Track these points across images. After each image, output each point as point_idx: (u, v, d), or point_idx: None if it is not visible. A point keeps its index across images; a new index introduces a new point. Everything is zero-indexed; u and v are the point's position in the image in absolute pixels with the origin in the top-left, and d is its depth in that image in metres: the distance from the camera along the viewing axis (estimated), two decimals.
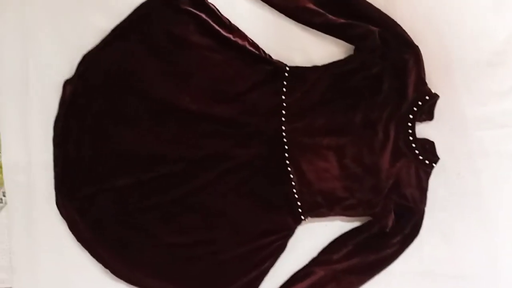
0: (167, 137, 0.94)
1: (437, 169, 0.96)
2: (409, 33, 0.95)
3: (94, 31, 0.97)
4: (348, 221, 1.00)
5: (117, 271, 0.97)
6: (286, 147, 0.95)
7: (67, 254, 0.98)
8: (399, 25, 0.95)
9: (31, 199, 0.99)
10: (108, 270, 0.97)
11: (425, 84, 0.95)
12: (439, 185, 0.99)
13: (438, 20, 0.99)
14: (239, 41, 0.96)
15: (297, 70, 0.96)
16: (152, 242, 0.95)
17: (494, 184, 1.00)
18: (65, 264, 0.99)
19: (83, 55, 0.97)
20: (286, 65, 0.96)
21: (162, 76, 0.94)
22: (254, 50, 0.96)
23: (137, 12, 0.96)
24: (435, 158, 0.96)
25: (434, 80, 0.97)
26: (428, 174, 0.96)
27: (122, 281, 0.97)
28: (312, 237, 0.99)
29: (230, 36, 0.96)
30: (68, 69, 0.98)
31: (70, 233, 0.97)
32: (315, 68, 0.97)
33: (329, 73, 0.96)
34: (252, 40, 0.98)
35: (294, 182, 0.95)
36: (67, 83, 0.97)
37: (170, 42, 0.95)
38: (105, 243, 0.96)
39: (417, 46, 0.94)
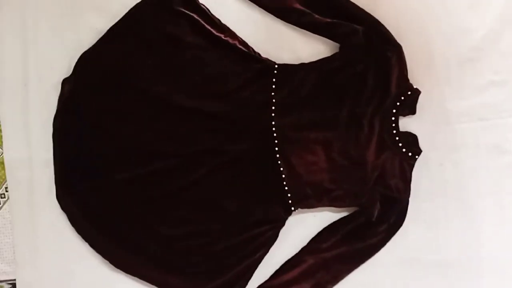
0: (162, 133, 0.96)
1: (420, 160, 0.98)
2: (391, 32, 0.97)
3: (91, 31, 0.99)
4: (336, 211, 1.02)
5: (116, 262, 0.98)
6: (276, 141, 0.97)
7: (68, 246, 1.00)
8: (382, 24, 0.97)
9: (32, 194, 1.01)
10: (107, 261, 0.98)
11: (407, 80, 0.98)
12: (422, 176, 1.01)
13: (419, 19, 1.01)
14: (230, 40, 0.97)
15: (285, 68, 0.98)
16: (149, 234, 0.96)
17: (474, 174, 1.02)
18: (66, 256, 1.00)
19: (80, 54, 0.99)
20: (275, 63, 0.98)
21: (158, 74, 0.96)
22: (244, 48, 0.98)
23: (132, 13, 0.98)
24: (418, 150, 0.98)
25: (416, 76, 0.99)
26: (411, 166, 0.98)
27: (121, 271, 0.98)
28: (302, 227, 1.01)
29: (221, 35, 0.97)
30: (66, 68, 0.99)
31: (71, 225, 0.99)
32: (302, 66, 0.99)
33: (316, 70, 0.98)
34: (242, 39, 0.99)
35: (284, 175, 0.97)
36: (65, 82, 0.98)
37: (165, 42, 0.97)
38: (104, 235, 0.97)
39: (400, 45, 0.97)
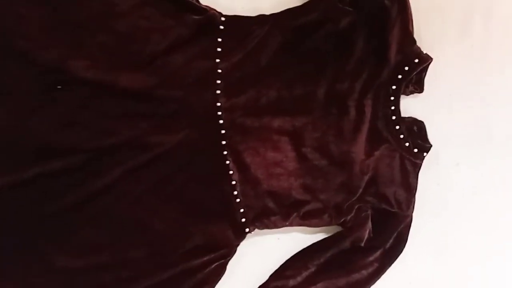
0: (55, 119, 0.80)
1: (428, 159, 0.84)
2: None
3: None
4: (310, 232, 0.89)
5: None
6: (223, 131, 0.81)
7: None
8: None
9: None
10: None
11: (414, 42, 0.83)
12: (430, 180, 0.88)
13: None
14: None
15: (236, 21, 0.82)
16: (40, 267, 0.80)
17: (501, 178, 0.89)
18: None
19: None
20: (221, 14, 0.82)
21: (48, 31, 0.79)
22: None
23: None
24: (426, 145, 0.84)
25: (425, 36, 0.84)
26: (417, 167, 0.84)
27: None
28: (260, 256, 0.88)
29: None
30: None
31: None
32: (261, 19, 0.82)
33: (281, 26, 0.82)
34: None
35: (234, 180, 0.82)
36: None
37: None
38: None
39: None
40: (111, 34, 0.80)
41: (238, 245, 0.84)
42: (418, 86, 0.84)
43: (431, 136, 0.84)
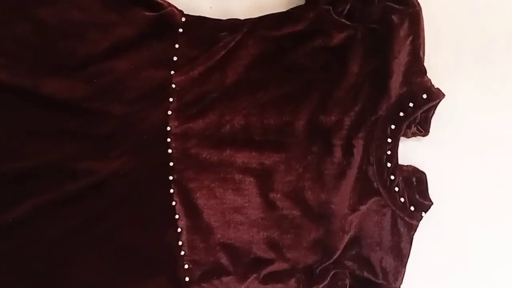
0: None
1: (425, 218, 0.70)
2: None
3: None
4: None
5: None
6: (171, 163, 0.68)
7: None
8: None
9: None
10: None
11: (424, 72, 0.69)
12: (426, 245, 0.73)
13: None
14: None
15: (200, 25, 0.69)
16: None
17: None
18: None
19: None
20: (182, 13, 0.70)
21: None
22: None
23: None
24: (425, 203, 0.71)
25: (438, 67, 0.70)
26: (412, 229, 0.70)
27: None
28: None
29: None
30: None
31: None
32: (233, 24, 0.70)
33: (258, 35, 0.69)
34: None
35: (180, 227, 0.69)
36: None
37: None
38: None
39: (418, 4, 0.68)
40: (33, 24, 0.66)
41: None
42: (422, 128, 0.71)
43: (432, 192, 0.69)
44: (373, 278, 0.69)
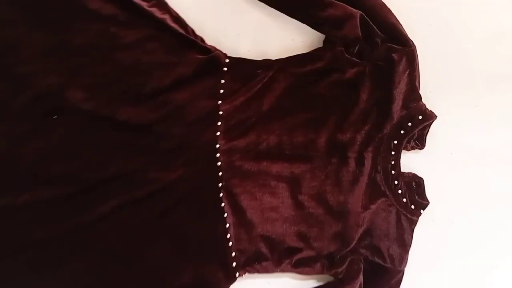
0: (51, 148, 0.74)
1: (424, 214, 0.80)
2: (405, 27, 0.78)
3: None
4: (301, 278, 0.83)
5: None
6: (220, 173, 0.77)
7: None
8: (392, 14, 0.78)
9: None
10: None
11: (419, 98, 0.79)
12: (424, 236, 0.83)
13: (444, 15, 0.82)
14: (158, 13, 0.76)
15: (241, 64, 0.78)
16: None
17: (499, 236, 0.84)
18: None
19: None
20: (225, 55, 0.78)
21: (46, 58, 0.74)
22: (179, 28, 0.76)
23: None
24: (423, 202, 0.80)
25: (431, 94, 0.81)
26: (413, 223, 0.80)
27: None
28: None
29: (144, 3, 0.75)
30: None
31: None
32: (266, 63, 0.78)
33: (286, 72, 0.78)
34: (176, 13, 0.78)
35: (228, 223, 0.77)
36: None
37: (58, 9, 0.74)
38: None
39: (413, 44, 0.78)
40: (113, 65, 0.75)
41: None
42: (419, 143, 0.80)
43: (429, 193, 0.80)
44: (382, 263, 0.78)
